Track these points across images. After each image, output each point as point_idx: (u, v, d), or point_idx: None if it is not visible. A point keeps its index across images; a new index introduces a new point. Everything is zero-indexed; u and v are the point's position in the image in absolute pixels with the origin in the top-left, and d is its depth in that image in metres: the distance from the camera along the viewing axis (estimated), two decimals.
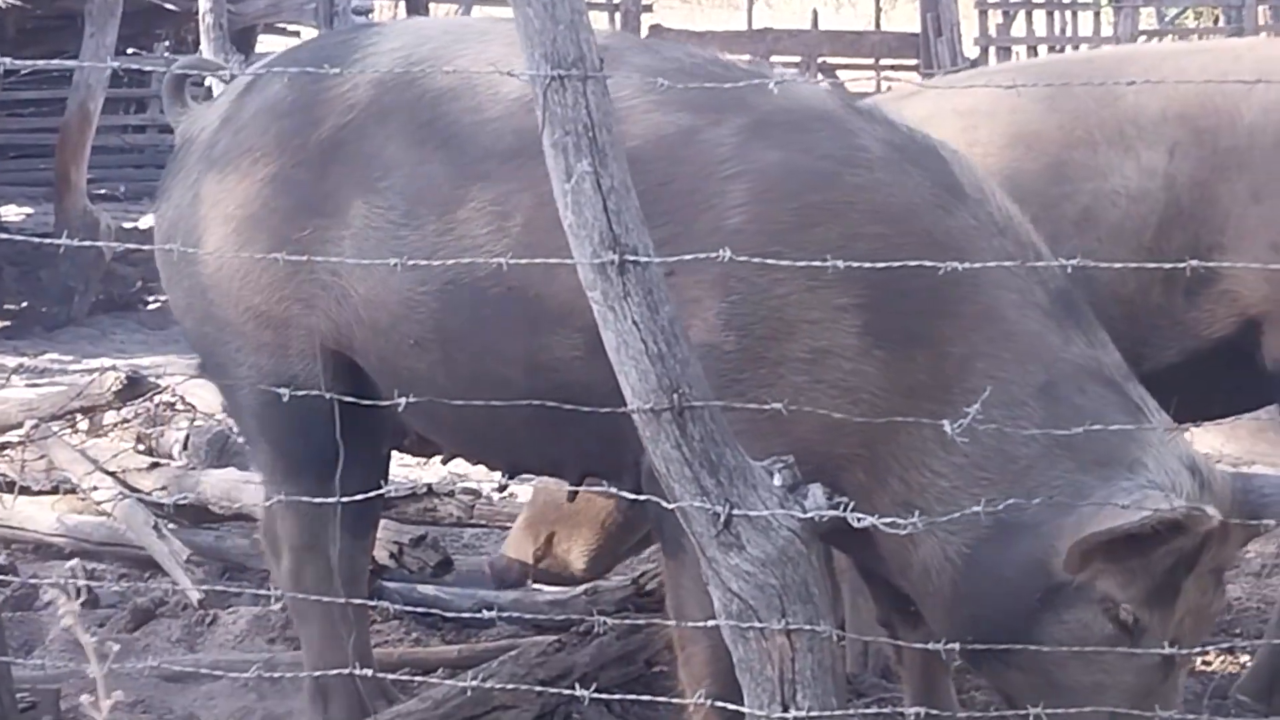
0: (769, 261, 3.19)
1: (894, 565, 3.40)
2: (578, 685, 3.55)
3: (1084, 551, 3.16)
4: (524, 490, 6.10)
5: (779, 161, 3.39)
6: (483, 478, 5.78)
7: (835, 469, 3.30)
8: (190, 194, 3.83)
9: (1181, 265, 3.32)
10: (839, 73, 17.37)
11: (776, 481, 3.13)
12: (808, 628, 3.08)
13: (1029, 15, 17.33)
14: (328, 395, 3.56)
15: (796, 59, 16.70)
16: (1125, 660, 3.21)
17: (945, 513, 3.20)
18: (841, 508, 3.08)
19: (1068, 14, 17.67)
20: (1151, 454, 3.25)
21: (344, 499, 3.53)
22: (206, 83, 5.10)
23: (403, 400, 3.32)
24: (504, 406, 3.36)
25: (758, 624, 3.09)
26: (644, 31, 15.99)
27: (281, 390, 3.55)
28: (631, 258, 3.04)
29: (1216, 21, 19.89)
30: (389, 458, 4.02)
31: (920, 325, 3.31)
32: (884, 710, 3.93)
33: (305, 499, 3.66)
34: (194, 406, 6.01)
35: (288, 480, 3.79)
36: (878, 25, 20.48)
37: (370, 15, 19.53)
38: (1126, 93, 4.09)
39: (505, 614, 4.46)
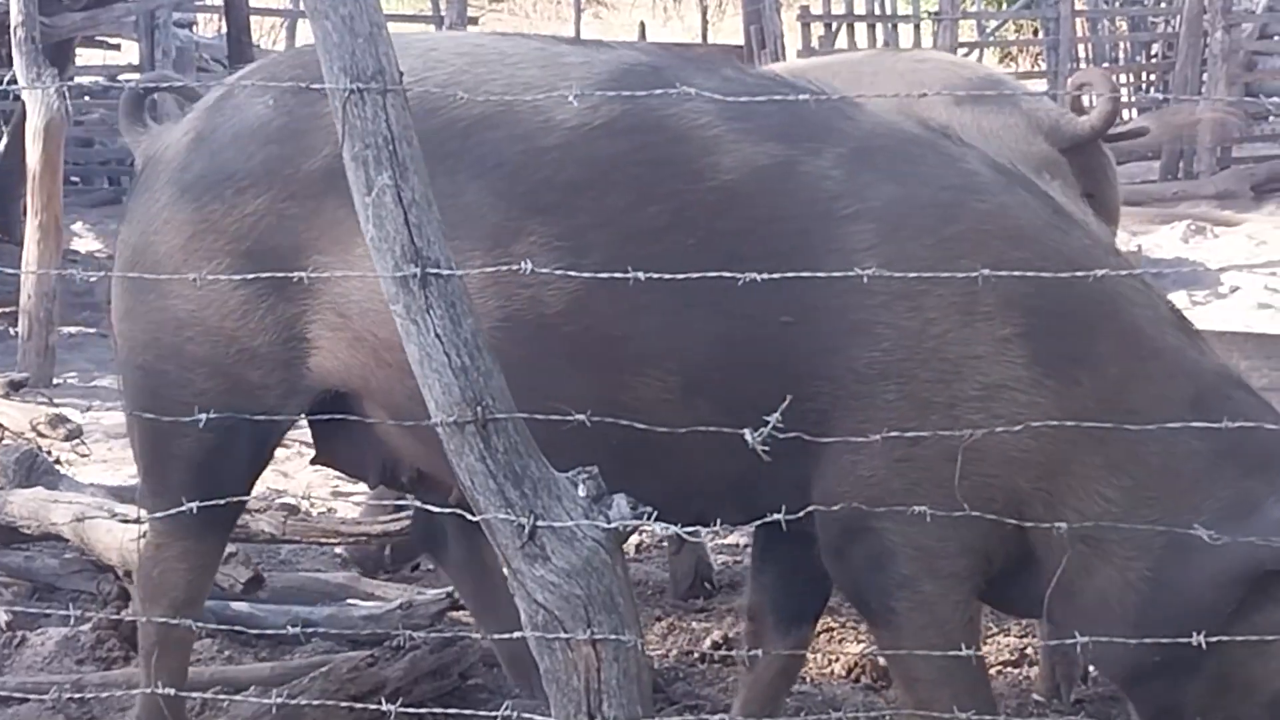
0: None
1: (1060, 591, 3.25)
2: (390, 700, 3.54)
3: None
4: (343, 507, 6.08)
5: (901, 197, 3.27)
6: (299, 494, 5.74)
7: (1020, 504, 3.21)
8: (159, 219, 3.56)
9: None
10: None
11: (581, 492, 3.14)
12: (613, 637, 3.09)
13: (850, 28, 17.52)
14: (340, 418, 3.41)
15: None
16: None
17: (1119, 539, 3.17)
18: (646, 517, 3.11)
19: (889, 27, 17.88)
20: None
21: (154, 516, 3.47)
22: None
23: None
24: (568, 443, 3.18)
25: (563, 634, 3.10)
26: None
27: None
28: (433, 270, 3.04)
29: (1036, 33, 20.25)
30: None
31: (1080, 349, 3.23)
32: (695, 717, 3.96)
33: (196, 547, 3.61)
34: (2, 426, 5.91)
35: (190, 534, 3.62)
36: (704, 38, 20.61)
37: (193, 28, 19.30)
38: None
39: (319, 630, 4.47)
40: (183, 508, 3.36)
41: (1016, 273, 3.07)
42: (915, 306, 3.18)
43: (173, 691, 3.46)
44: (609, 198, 3.26)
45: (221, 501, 3.42)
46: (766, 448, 2.92)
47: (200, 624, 4.47)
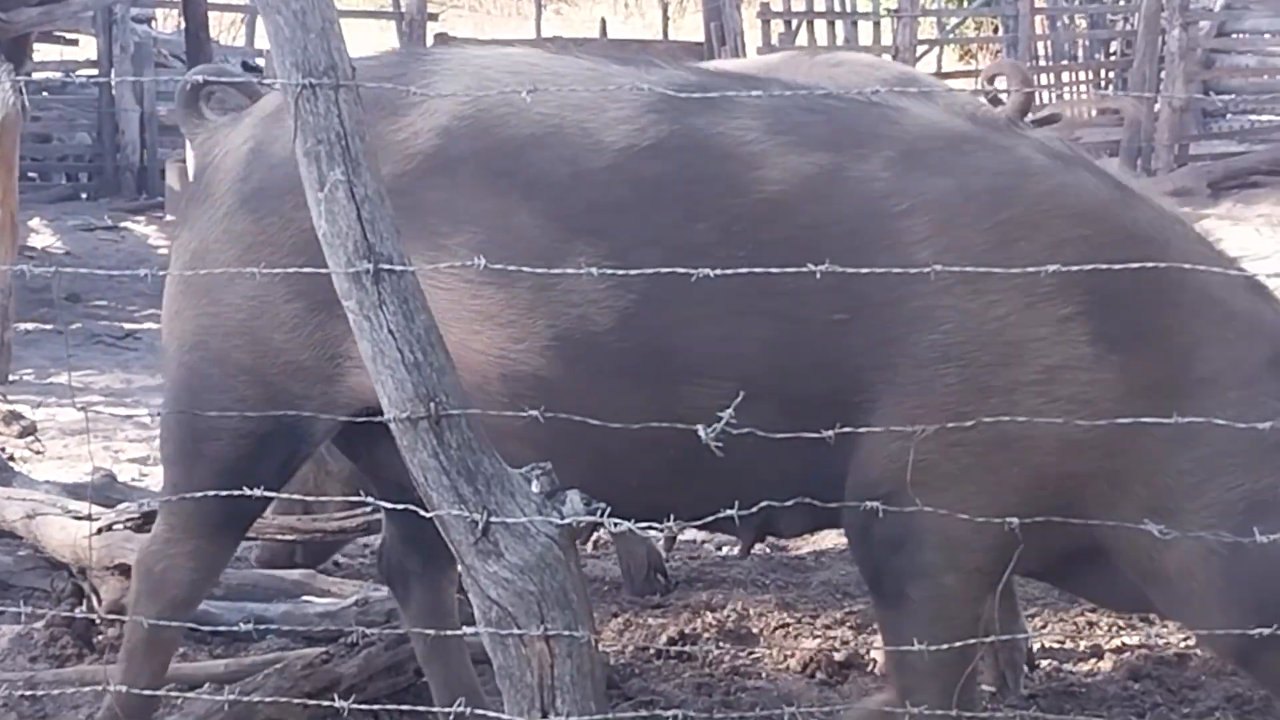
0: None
1: (1139, 575, 3.26)
2: (344, 697, 3.53)
3: None
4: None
5: (953, 187, 3.28)
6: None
7: (1075, 488, 3.20)
8: (218, 229, 3.58)
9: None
10: None
11: (534, 488, 3.14)
12: (566, 633, 3.09)
13: (811, 25, 17.54)
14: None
15: None
16: None
17: (1196, 509, 3.15)
18: (600, 513, 3.11)
19: (849, 23, 17.91)
20: None
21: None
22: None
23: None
24: (625, 456, 3.21)
25: (516, 630, 3.10)
26: (429, 40, 15.91)
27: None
28: (386, 266, 3.04)
29: (996, 31, 20.32)
30: None
31: (1145, 321, 3.22)
32: (649, 713, 3.96)
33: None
34: None
35: (204, 533, 3.62)
36: (665, 34, 20.62)
37: (151, 23, 19.23)
38: None
39: (273, 627, 4.46)
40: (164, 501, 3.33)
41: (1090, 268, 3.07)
42: (976, 290, 3.18)
43: (125, 688, 3.44)
44: (657, 216, 3.29)
45: (211, 494, 3.43)
46: (720, 444, 2.95)
47: (154, 620, 4.47)
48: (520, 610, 3.10)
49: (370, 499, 3.37)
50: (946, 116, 3.50)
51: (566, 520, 3.10)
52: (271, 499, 3.60)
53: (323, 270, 3.06)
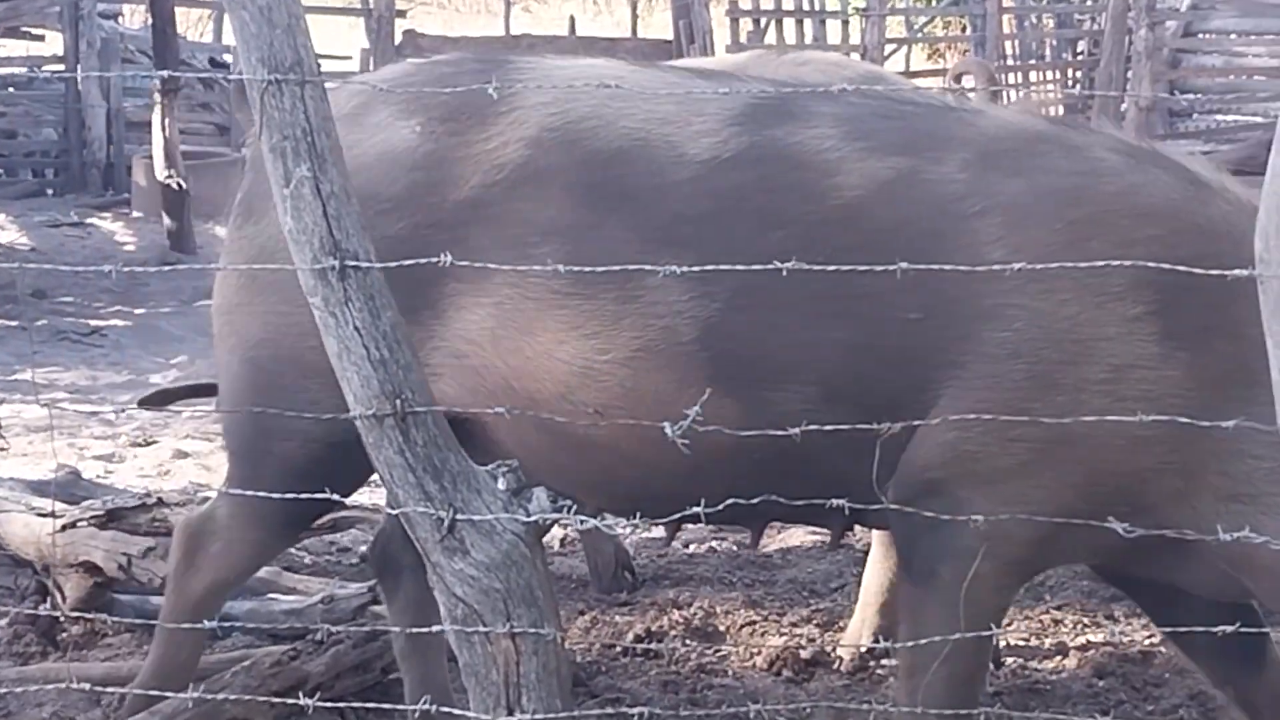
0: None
1: (1230, 562, 3.25)
2: (311, 695, 3.52)
3: None
4: None
5: (1025, 188, 3.33)
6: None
7: (1141, 483, 3.22)
8: None
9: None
10: None
11: (501, 486, 3.14)
12: (532, 631, 3.09)
13: (779, 23, 17.56)
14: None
15: None
16: None
17: (1275, 493, 3.17)
18: (566, 510, 3.11)
19: (818, 22, 17.94)
20: None
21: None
22: None
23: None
24: (712, 462, 3.21)
25: (482, 628, 3.10)
26: (398, 37, 15.88)
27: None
28: (352, 263, 3.03)
29: (964, 30, 20.36)
30: None
31: (1215, 316, 3.22)
32: (615, 711, 3.96)
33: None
34: None
35: (268, 527, 3.67)
36: (634, 32, 20.62)
37: (118, 19, 19.16)
38: None
39: (239, 625, 4.45)
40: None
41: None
42: (1047, 289, 3.21)
43: (88, 686, 3.43)
44: (736, 228, 3.33)
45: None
46: (687, 441, 2.96)
47: (120, 618, 4.46)
48: (486, 608, 3.10)
49: (334, 495, 3.36)
50: (1023, 117, 3.55)
51: (533, 517, 3.10)
52: (334, 504, 3.52)
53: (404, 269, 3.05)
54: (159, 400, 5.53)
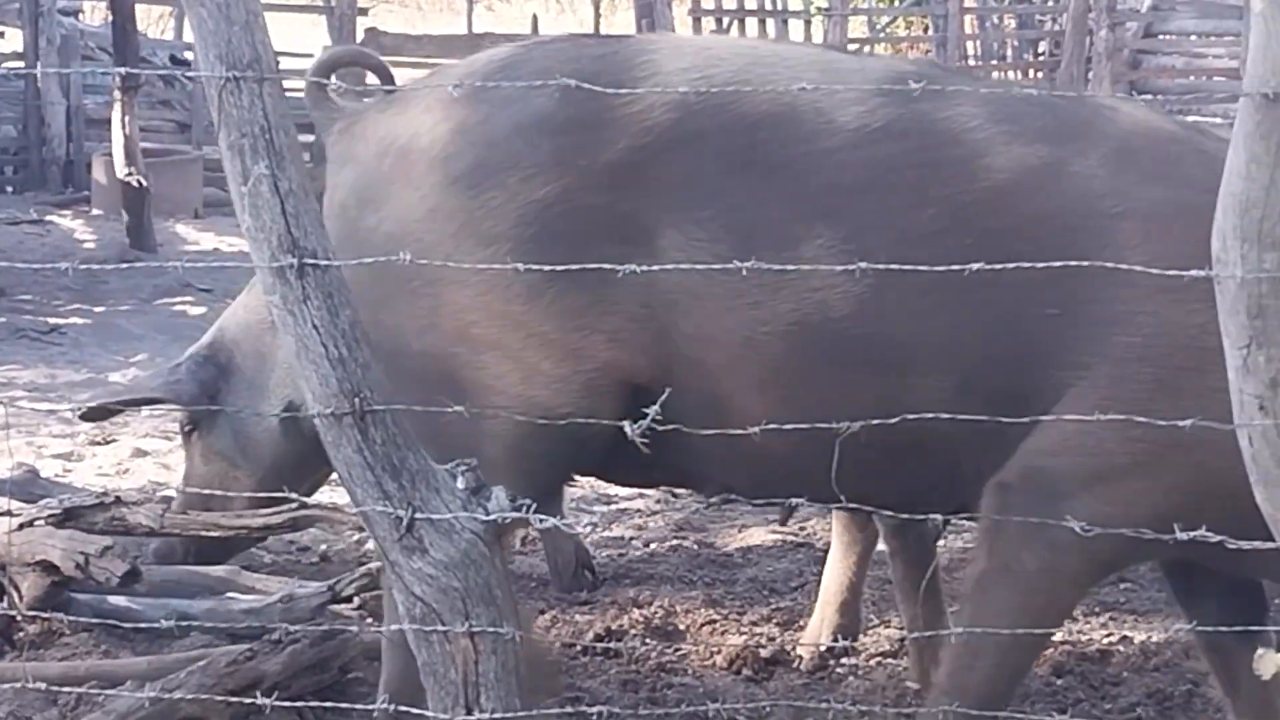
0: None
1: None
2: (269, 694, 3.51)
3: None
4: None
5: (1165, 199, 3.34)
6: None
7: (1246, 489, 3.18)
8: (422, 208, 3.52)
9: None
10: None
11: (460, 484, 3.13)
12: (491, 630, 3.09)
13: (742, 23, 17.58)
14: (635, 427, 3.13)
15: None
16: None
17: None
18: (525, 509, 3.11)
19: (780, 22, 17.96)
20: None
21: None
22: None
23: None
24: (849, 442, 3.12)
25: (441, 627, 3.09)
26: (359, 36, 15.85)
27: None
28: (311, 261, 3.03)
29: (926, 30, 20.42)
30: None
31: None
32: (574, 710, 3.96)
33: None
34: None
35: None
36: (597, 30, 20.62)
37: (78, 16, 19.07)
38: None
39: (197, 624, 4.43)
40: None
41: None
42: (1178, 299, 3.23)
43: (45, 685, 3.41)
44: (889, 200, 3.32)
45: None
46: (645, 440, 2.95)
47: (77, 618, 4.43)
48: (445, 607, 3.09)
49: (293, 494, 3.35)
50: (1154, 115, 3.57)
51: (492, 516, 3.10)
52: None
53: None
54: (99, 415, 5.48)
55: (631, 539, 5.94)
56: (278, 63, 3.04)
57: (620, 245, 3.36)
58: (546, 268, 3.26)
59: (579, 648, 4.61)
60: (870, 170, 3.35)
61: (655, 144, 3.41)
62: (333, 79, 3.82)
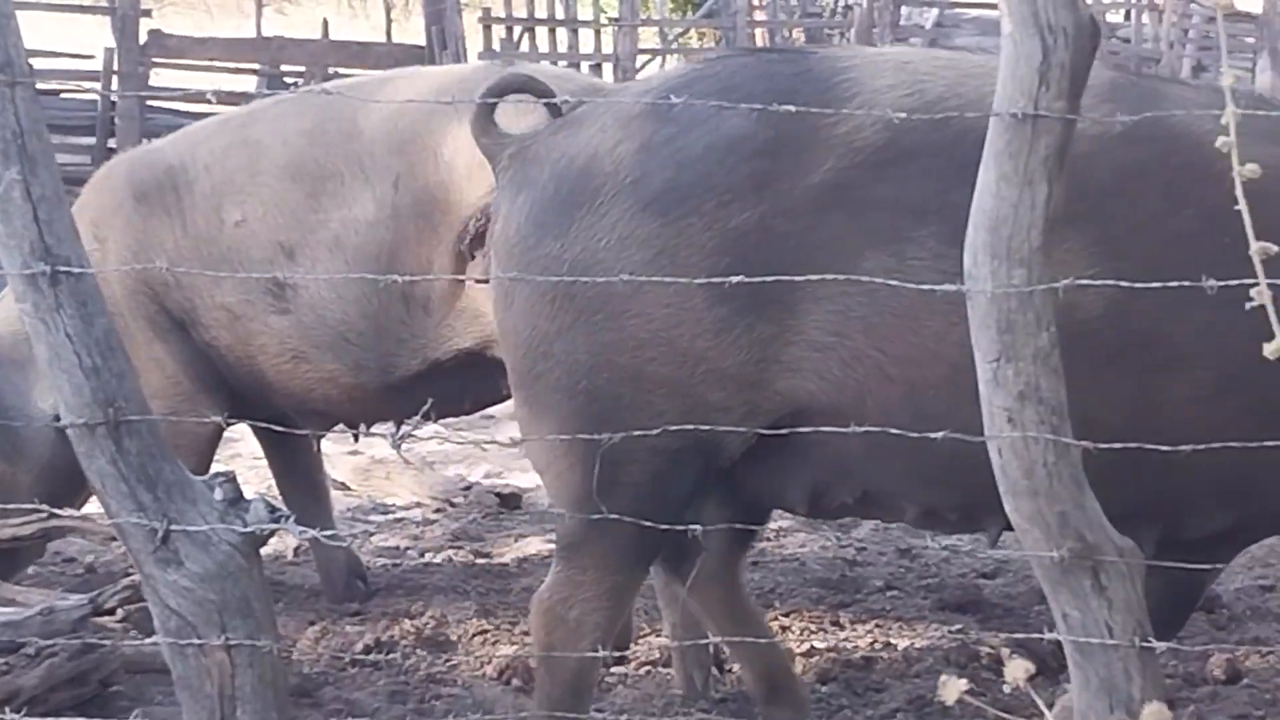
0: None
1: None
2: (25, 709, 3.45)
3: None
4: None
5: None
6: None
7: None
8: (611, 235, 3.38)
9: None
10: None
11: (217, 496, 3.11)
12: (248, 643, 3.07)
13: (532, 32, 17.60)
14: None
15: (302, 69, 16.54)
16: None
17: None
18: (283, 520, 3.09)
19: (571, 31, 18.01)
20: None
21: None
22: None
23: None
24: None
25: (196, 640, 3.06)
26: (143, 37, 15.59)
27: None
28: (64, 269, 2.99)
29: (718, 42, 20.61)
30: None
31: None
32: None
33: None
34: None
35: (622, 569, 3.51)
36: (389, 36, 20.51)
37: None
38: (365, 128, 4.63)
39: None
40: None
41: None
42: None
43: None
44: (1141, 204, 3.29)
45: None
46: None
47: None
48: (200, 619, 3.07)
49: (45, 506, 3.30)
50: None
51: (249, 528, 3.08)
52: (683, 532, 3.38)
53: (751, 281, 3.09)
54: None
55: (407, 549, 5.92)
56: (30, 66, 2.99)
57: (817, 271, 3.25)
58: (741, 287, 3.17)
59: (348, 659, 4.57)
60: (1118, 175, 3.32)
61: (863, 164, 3.34)
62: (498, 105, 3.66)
